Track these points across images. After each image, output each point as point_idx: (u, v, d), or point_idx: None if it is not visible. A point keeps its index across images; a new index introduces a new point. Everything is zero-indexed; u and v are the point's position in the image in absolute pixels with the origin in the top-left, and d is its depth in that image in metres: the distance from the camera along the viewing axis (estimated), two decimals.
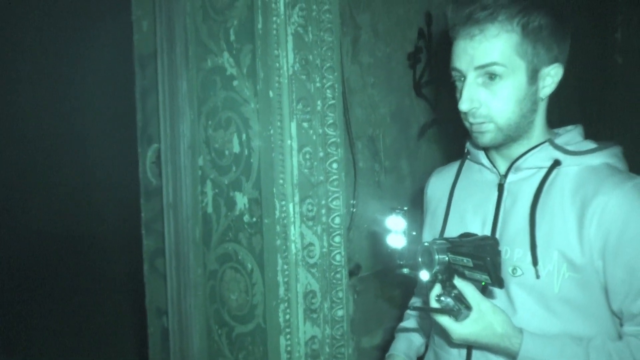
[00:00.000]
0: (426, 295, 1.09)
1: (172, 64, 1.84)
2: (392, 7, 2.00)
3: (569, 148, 1.12)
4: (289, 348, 1.61)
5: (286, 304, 1.60)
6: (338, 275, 1.66)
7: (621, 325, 1.08)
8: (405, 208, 1.13)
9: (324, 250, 1.65)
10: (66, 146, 2.67)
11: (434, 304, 1.05)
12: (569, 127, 1.18)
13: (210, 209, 1.77)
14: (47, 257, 2.78)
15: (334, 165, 1.66)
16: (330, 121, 1.66)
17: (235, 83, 1.67)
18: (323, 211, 1.65)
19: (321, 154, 1.64)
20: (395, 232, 1.11)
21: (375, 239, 1.81)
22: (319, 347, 1.65)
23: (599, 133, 2.89)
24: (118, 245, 2.17)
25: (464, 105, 1.08)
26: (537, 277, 1.06)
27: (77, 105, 2.47)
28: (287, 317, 1.60)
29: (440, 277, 1.04)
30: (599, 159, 1.10)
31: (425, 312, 1.19)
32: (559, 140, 1.13)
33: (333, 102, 1.66)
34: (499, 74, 1.06)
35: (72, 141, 2.55)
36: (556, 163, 1.11)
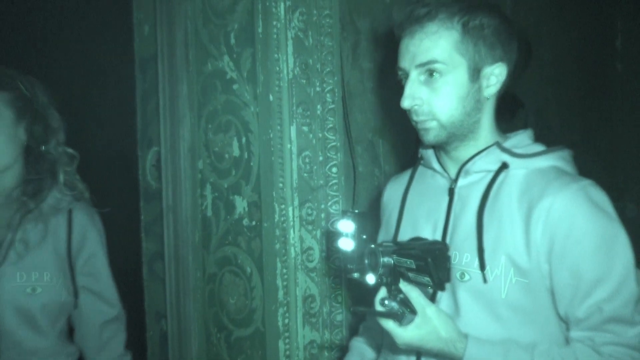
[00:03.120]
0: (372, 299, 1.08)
1: (172, 67, 1.84)
2: (392, 13, 2.00)
3: (517, 151, 1.11)
4: (287, 352, 1.60)
5: (285, 308, 1.59)
6: (337, 280, 1.66)
7: (568, 330, 1.07)
8: (357, 211, 1.12)
9: (323, 254, 1.65)
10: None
11: (378, 307, 1.03)
12: (519, 131, 1.17)
13: (209, 212, 1.77)
14: None
15: (334, 170, 1.66)
16: (330, 125, 1.66)
17: (235, 87, 1.68)
18: (322, 215, 1.65)
19: (321, 158, 1.65)
20: (346, 235, 1.10)
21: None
22: (318, 351, 1.65)
23: (598, 140, 2.89)
24: (116, 247, 2.17)
25: (405, 102, 1.09)
26: (485, 281, 1.04)
27: (77, 107, 2.48)
28: (286, 321, 1.60)
29: (385, 280, 1.03)
30: (547, 161, 1.09)
31: (369, 315, 1.18)
32: (507, 144, 1.12)
33: (333, 106, 1.66)
34: (438, 70, 1.06)
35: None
36: (504, 166, 1.10)
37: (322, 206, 1.65)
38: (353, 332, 1.76)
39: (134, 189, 2.08)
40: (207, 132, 1.76)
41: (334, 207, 1.67)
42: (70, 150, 1.56)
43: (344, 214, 1.11)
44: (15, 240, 1.42)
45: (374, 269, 1.02)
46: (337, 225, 1.10)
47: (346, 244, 1.09)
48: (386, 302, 1.02)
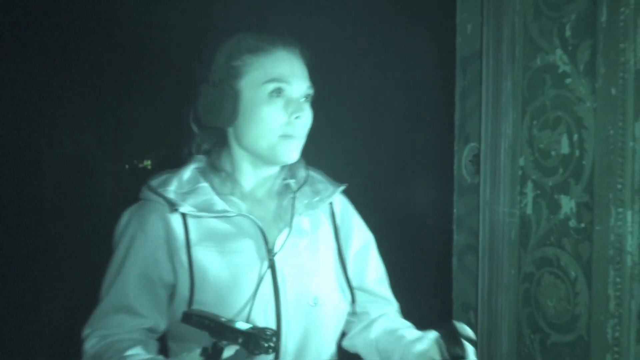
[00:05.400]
0: None
1: (497, 63, 1.85)
2: None
3: None
4: None
5: (616, 321, 1.46)
6: None
7: None
8: None
9: None
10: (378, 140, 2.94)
11: None
12: None
13: (529, 210, 1.74)
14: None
15: None
16: None
17: (568, 81, 1.60)
18: None
19: None
20: None
21: None
22: None
23: None
24: (429, 240, 2.30)
25: None
26: None
27: (389, 106, 2.70)
28: (617, 334, 1.46)
29: None
30: None
31: None
32: None
33: None
34: None
35: (384, 142, 2.80)
36: None
37: None
38: None
39: (448, 183, 2.17)
40: (532, 128, 1.73)
41: None
42: None
43: None
44: (292, 236, 1.17)
45: None
46: None
47: None
48: None
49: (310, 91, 1.17)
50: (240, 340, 0.89)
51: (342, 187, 1.27)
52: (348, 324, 1.30)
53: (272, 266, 1.12)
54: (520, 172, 1.78)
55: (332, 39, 2.73)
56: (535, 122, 1.72)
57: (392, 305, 1.34)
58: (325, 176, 1.30)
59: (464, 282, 2.07)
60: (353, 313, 1.27)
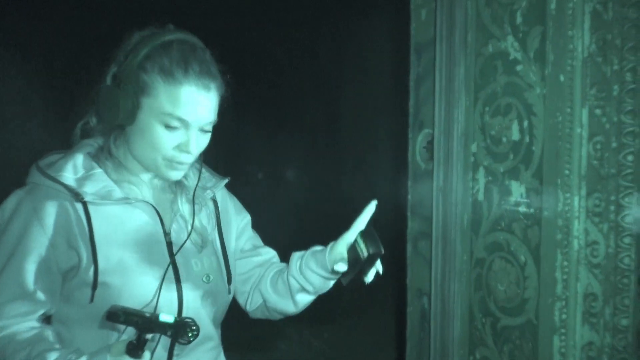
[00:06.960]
0: None
1: (450, 50, 1.85)
2: None
3: None
4: (563, 350, 1.51)
5: (563, 303, 1.50)
6: (625, 280, 1.49)
7: None
8: None
9: (610, 250, 1.49)
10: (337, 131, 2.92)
11: None
12: None
13: (481, 196, 1.75)
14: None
15: (629, 158, 1.49)
16: (628, 108, 1.48)
17: (519, 68, 1.61)
18: (612, 207, 1.49)
19: (614, 145, 1.49)
20: None
21: None
22: (597, 355, 1.51)
23: None
24: (384, 226, 2.30)
25: None
26: None
27: (338, 93, 2.69)
28: (564, 317, 1.50)
29: None
30: None
31: None
32: None
33: (633, 86, 1.48)
34: None
35: (340, 129, 2.78)
36: None
37: (613, 197, 1.50)
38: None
39: (402, 170, 2.17)
40: (484, 115, 1.74)
41: (626, 199, 1.50)
42: None
43: None
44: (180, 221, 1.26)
45: None
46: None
47: None
48: None
49: (212, 125, 1.17)
50: (169, 332, 0.98)
51: (225, 180, 1.32)
52: (241, 296, 1.36)
53: (170, 249, 1.17)
54: (472, 159, 1.79)
55: (285, 25, 2.68)
56: (487, 108, 1.73)
57: (270, 253, 1.40)
58: (210, 170, 1.34)
59: (418, 268, 2.09)
60: (246, 290, 1.34)
